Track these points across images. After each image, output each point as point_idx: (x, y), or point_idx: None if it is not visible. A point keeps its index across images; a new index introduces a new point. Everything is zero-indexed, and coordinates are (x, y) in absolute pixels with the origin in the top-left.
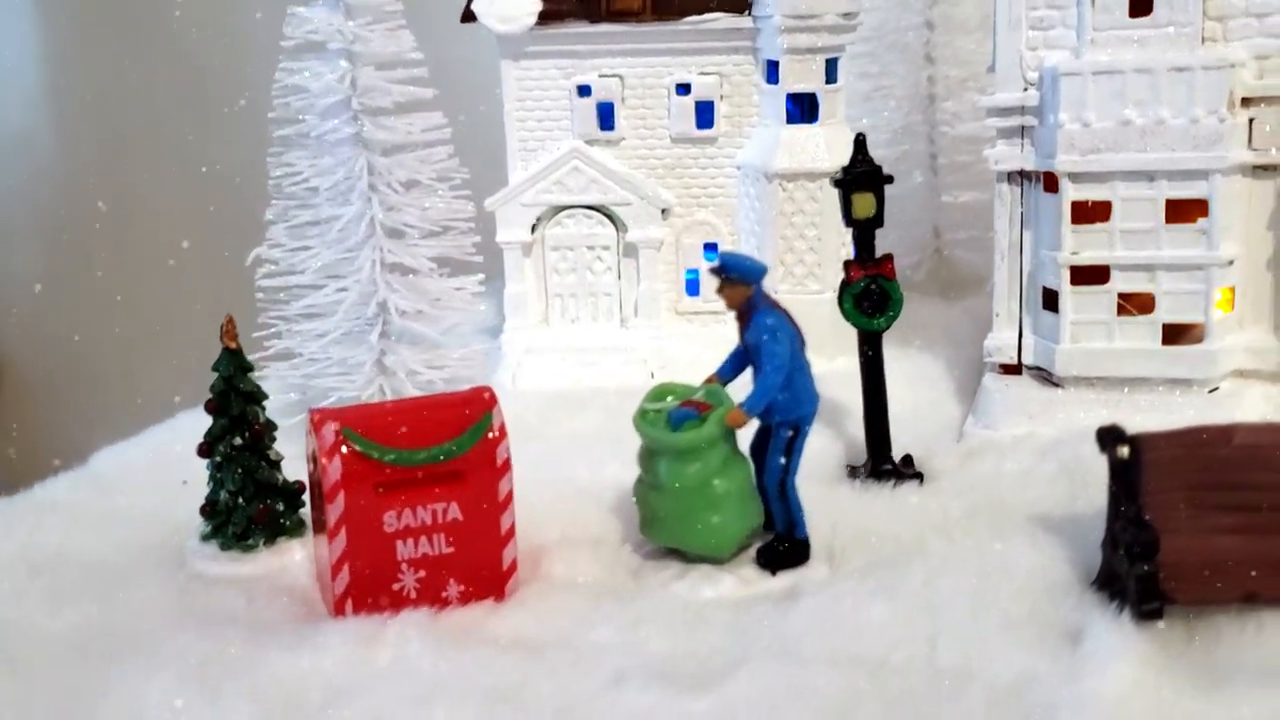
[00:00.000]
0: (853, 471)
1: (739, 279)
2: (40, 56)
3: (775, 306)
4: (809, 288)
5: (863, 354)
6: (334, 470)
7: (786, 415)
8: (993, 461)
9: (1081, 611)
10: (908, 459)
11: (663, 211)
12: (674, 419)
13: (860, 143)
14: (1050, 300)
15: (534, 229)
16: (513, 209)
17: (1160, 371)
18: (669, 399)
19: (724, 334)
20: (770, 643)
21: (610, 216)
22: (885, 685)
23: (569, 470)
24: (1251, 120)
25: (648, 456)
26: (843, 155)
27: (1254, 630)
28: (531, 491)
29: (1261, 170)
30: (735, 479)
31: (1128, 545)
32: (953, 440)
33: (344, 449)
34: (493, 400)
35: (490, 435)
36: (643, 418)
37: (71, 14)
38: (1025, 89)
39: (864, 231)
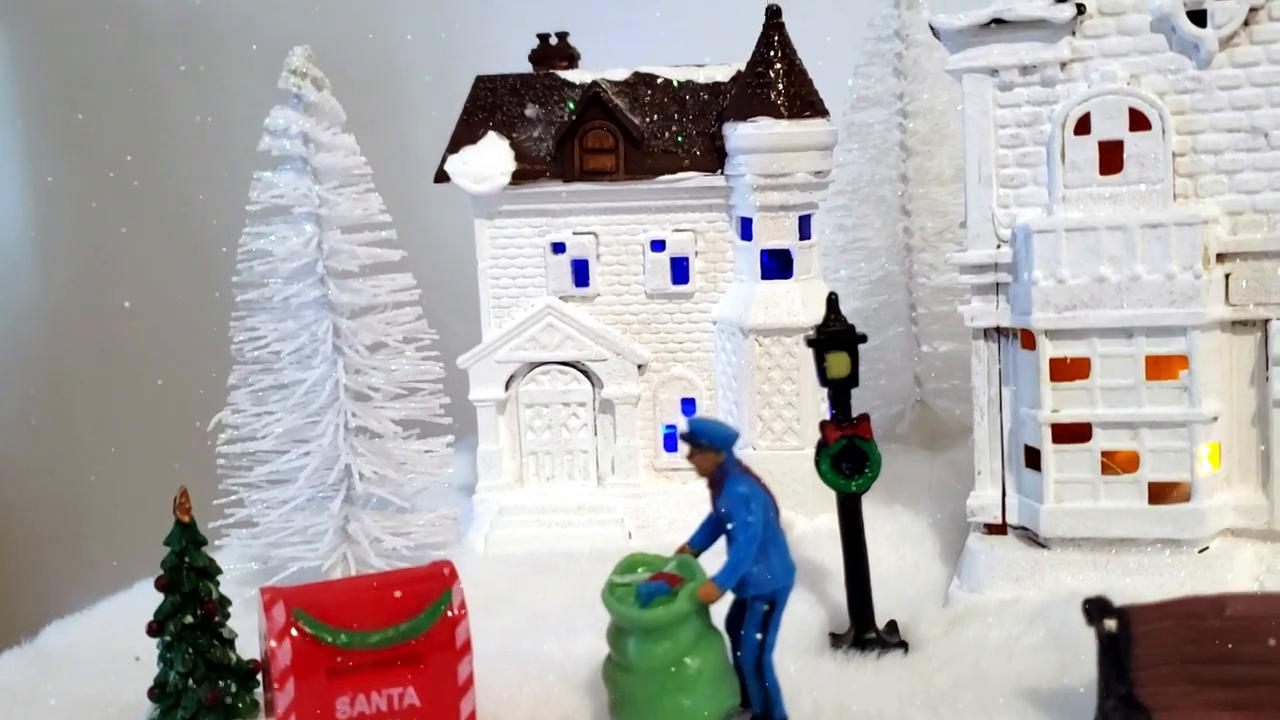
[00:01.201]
0: (835, 640)
1: (709, 445)
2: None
3: (747, 473)
4: (788, 444)
5: (842, 517)
6: (283, 655)
7: (761, 588)
8: (979, 629)
9: None
10: (892, 625)
11: (639, 367)
12: (643, 594)
13: (833, 302)
14: (1032, 458)
15: (508, 386)
16: (486, 366)
17: (1148, 531)
18: (639, 570)
19: (703, 491)
20: None
21: (585, 372)
22: None
23: (539, 644)
24: (1228, 276)
25: (616, 634)
26: (818, 310)
27: None
28: (499, 668)
29: (1240, 325)
30: (709, 657)
31: None
32: (938, 605)
33: (294, 631)
34: (453, 576)
35: (449, 614)
36: (611, 592)
37: (61, 160)
38: (998, 246)
39: (839, 391)
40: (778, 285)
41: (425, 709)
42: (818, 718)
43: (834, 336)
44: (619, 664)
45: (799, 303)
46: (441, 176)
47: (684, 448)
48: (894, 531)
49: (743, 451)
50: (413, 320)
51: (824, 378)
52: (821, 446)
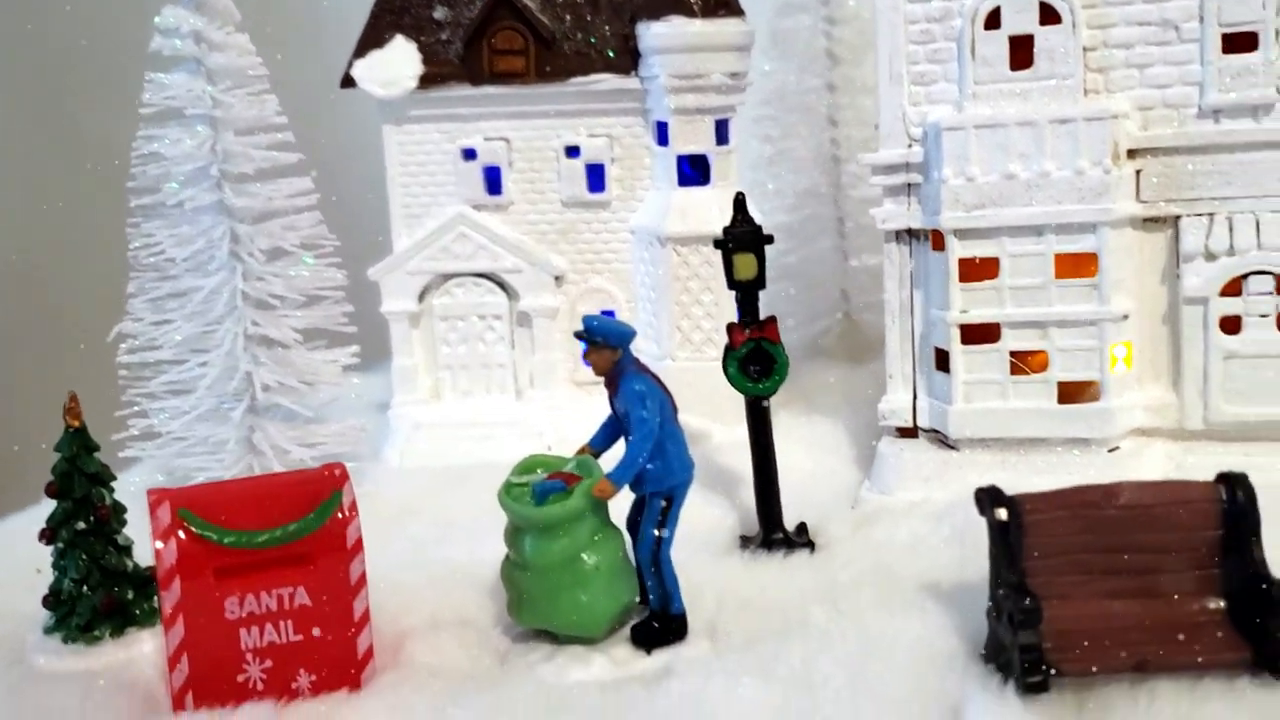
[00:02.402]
0: (745, 542)
1: (604, 343)
2: None
3: (644, 371)
4: (707, 354)
5: (750, 420)
6: (169, 555)
7: (659, 485)
8: (886, 528)
9: (965, 686)
10: (802, 527)
11: (556, 278)
12: (539, 493)
13: (740, 203)
14: (942, 361)
15: (421, 299)
16: (398, 278)
17: (1057, 431)
18: (538, 471)
19: None
20: None
21: (501, 284)
22: None
23: (447, 550)
24: (1138, 172)
25: (513, 533)
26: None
27: (1147, 701)
28: (404, 574)
29: (1151, 222)
30: (606, 554)
31: (1010, 614)
32: (848, 507)
33: (180, 532)
34: (343, 478)
35: (340, 515)
36: (507, 492)
37: None
38: (910, 145)
39: (747, 293)
40: (695, 192)
41: (316, 608)
42: (720, 612)
43: (741, 238)
44: (516, 563)
45: (717, 210)
46: (348, 81)
47: (581, 346)
48: (811, 438)
49: (661, 363)
50: (312, 226)
51: (731, 280)
52: (729, 349)
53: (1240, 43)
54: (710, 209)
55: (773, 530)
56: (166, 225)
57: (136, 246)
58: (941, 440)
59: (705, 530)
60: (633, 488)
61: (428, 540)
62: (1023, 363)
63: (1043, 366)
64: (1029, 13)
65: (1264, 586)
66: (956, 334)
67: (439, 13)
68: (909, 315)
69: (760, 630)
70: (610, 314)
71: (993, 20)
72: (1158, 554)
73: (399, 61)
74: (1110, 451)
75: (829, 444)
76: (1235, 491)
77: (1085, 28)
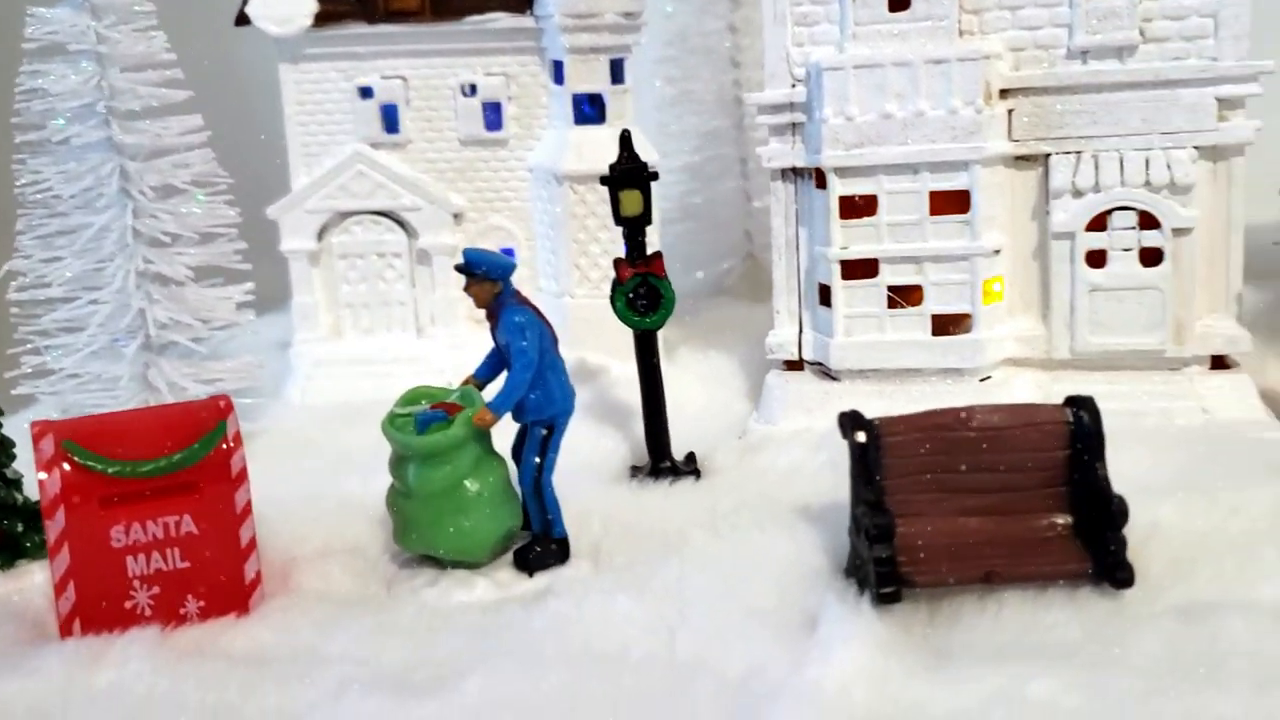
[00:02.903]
0: (635, 471)
1: (485, 275)
2: None
3: (524, 303)
4: (604, 291)
5: (639, 353)
6: (52, 484)
7: (539, 414)
8: (769, 456)
9: (826, 599)
10: (691, 457)
11: (455, 216)
12: (420, 422)
13: (626, 140)
14: (825, 296)
15: (321, 237)
16: (297, 216)
17: (931, 362)
18: (423, 402)
19: None
20: (511, 645)
21: (400, 222)
22: (617, 681)
23: (342, 482)
24: (1010, 111)
25: (398, 462)
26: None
27: (994, 610)
28: (297, 506)
29: (1022, 160)
30: (488, 481)
31: (866, 530)
32: (736, 437)
33: (64, 463)
34: (228, 409)
35: (225, 445)
36: (391, 422)
37: None
38: (793, 85)
39: (633, 229)
40: (591, 130)
41: (203, 536)
42: (605, 537)
43: (626, 174)
44: (401, 491)
45: (613, 148)
46: (243, 19)
47: (461, 279)
48: (706, 372)
49: (560, 300)
50: (204, 163)
51: (618, 216)
52: (616, 284)
53: None
54: (606, 147)
55: (661, 459)
56: (53, 162)
57: (23, 183)
58: (825, 372)
59: (598, 460)
60: (515, 417)
61: (324, 473)
62: (900, 297)
63: (918, 300)
64: None
65: (1105, 503)
66: (837, 270)
67: None
68: (795, 252)
69: (640, 552)
70: (510, 252)
71: None
72: (1009, 473)
73: None
74: (982, 381)
75: (724, 378)
76: (1081, 414)
77: None
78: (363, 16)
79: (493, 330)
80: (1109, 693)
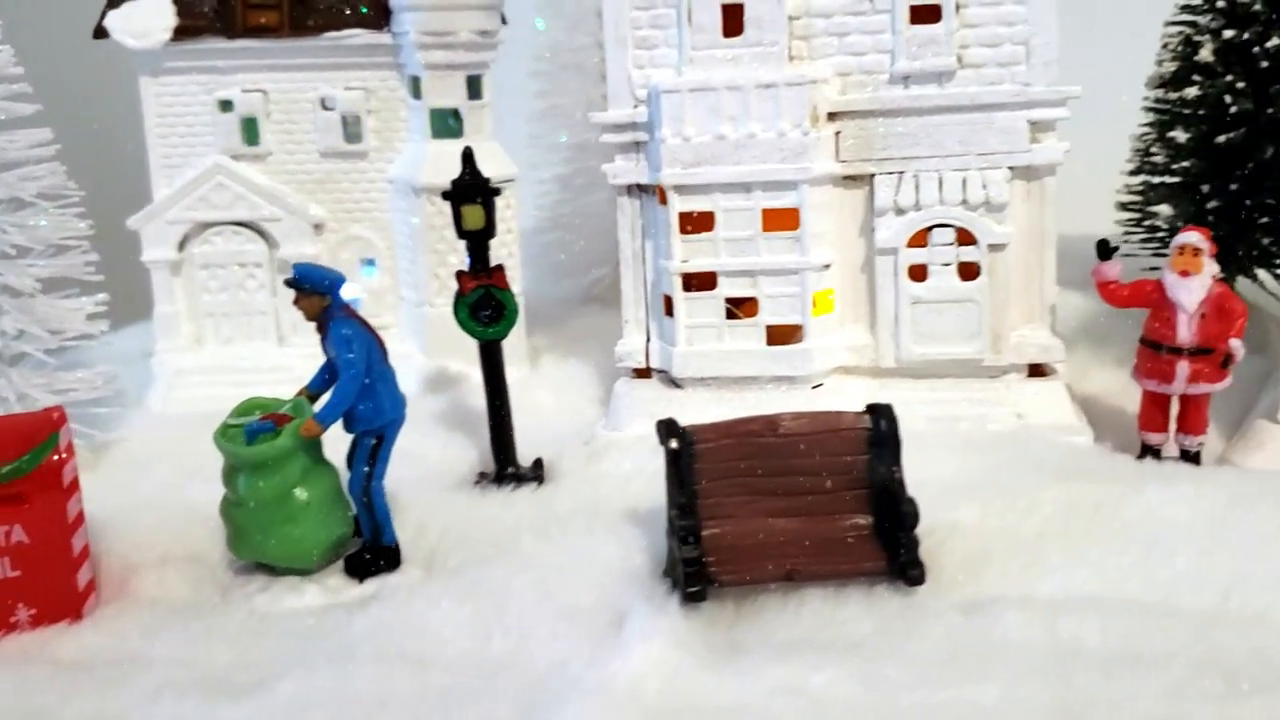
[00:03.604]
0: (480, 478)
1: (312, 289)
2: None
3: (352, 316)
4: None
5: (484, 363)
6: None
7: (369, 424)
8: (611, 461)
9: (639, 598)
10: (538, 463)
11: (315, 226)
12: (249, 433)
13: (468, 156)
14: (669, 306)
15: (182, 247)
16: (157, 227)
17: (766, 370)
18: (256, 413)
19: (392, 350)
20: (330, 648)
21: (261, 232)
22: (425, 680)
23: (190, 491)
24: (837, 133)
25: (229, 472)
26: (489, 169)
27: (796, 606)
28: (142, 514)
29: (850, 180)
30: (318, 489)
31: (675, 531)
32: (583, 443)
33: None
34: (61, 420)
35: (56, 456)
36: (223, 434)
37: None
38: (635, 106)
39: (475, 242)
40: (449, 144)
41: (34, 546)
42: (441, 543)
43: (468, 189)
44: (232, 500)
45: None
46: (101, 32)
47: (291, 293)
48: (563, 380)
49: (420, 309)
50: (52, 176)
51: (460, 230)
52: (459, 296)
53: (926, 14)
54: None
55: (505, 466)
56: None
57: None
58: (670, 380)
59: (447, 466)
60: (346, 427)
61: (173, 482)
62: (736, 308)
63: (754, 312)
64: None
65: (899, 505)
66: (679, 282)
67: None
68: (641, 264)
69: (472, 558)
70: (371, 261)
71: None
72: (813, 476)
73: (152, 13)
74: (814, 388)
75: (578, 385)
76: (880, 420)
77: None
78: (222, 31)
79: (323, 343)
80: (884, 683)
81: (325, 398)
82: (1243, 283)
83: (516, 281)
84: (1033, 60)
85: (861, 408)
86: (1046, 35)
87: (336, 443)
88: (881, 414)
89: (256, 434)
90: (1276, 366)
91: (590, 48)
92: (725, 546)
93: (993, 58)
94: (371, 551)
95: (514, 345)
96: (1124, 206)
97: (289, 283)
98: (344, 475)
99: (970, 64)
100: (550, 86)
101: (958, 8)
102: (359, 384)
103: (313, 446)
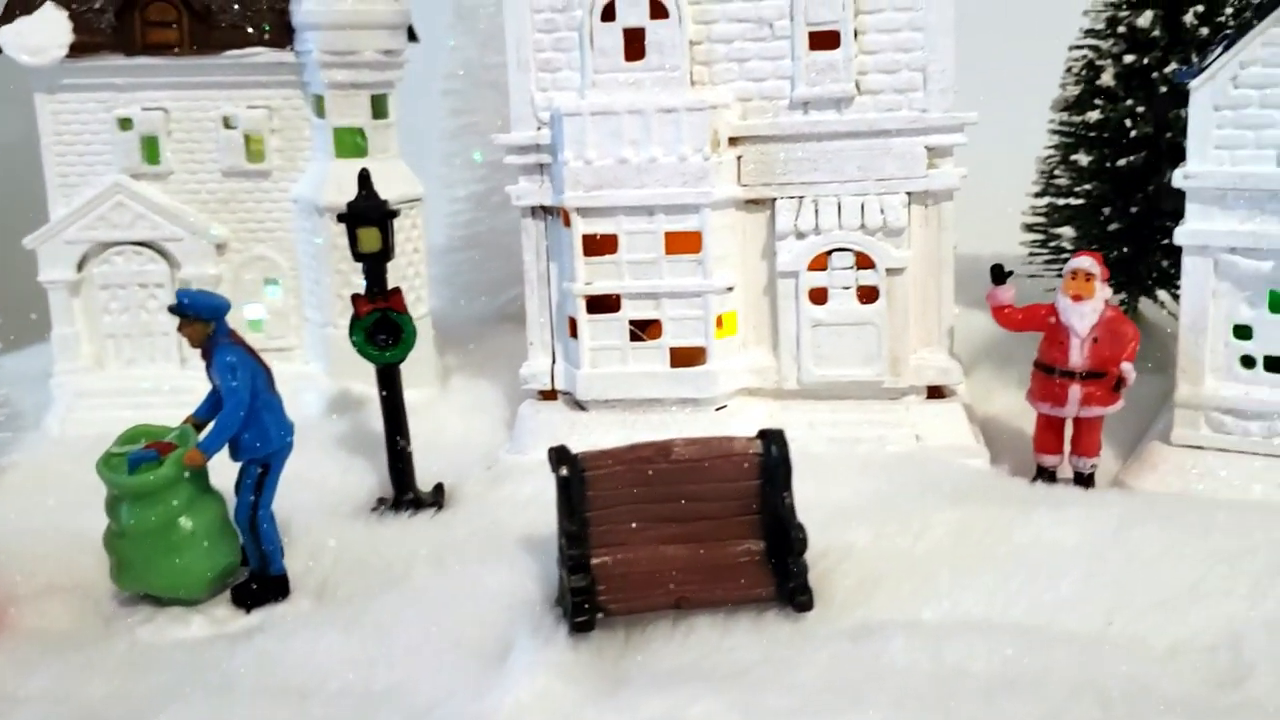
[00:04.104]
0: (379, 504)
1: (196, 316)
2: None
3: (238, 343)
4: None
5: (381, 387)
6: None
7: (254, 453)
8: (512, 486)
9: (528, 629)
10: (438, 488)
11: (218, 247)
12: (131, 462)
13: (364, 178)
14: (573, 328)
15: (81, 267)
16: (55, 247)
17: (669, 392)
18: (141, 441)
19: (291, 371)
20: (211, 680)
21: (162, 252)
22: (305, 712)
23: (81, 518)
24: (739, 158)
25: (112, 502)
26: (395, 189)
27: (684, 634)
28: (32, 540)
29: (752, 204)
30: (203, 519)
31: (564, 561)
32: (486, 467)
33: None
34: None
35: None
36: (105, 463)
37: None
38: (539, 128)
39: (372, 265)
40: (353, 164)
41: None
42: (334, 571)
43: (363, 212)
44: (115, 530)
45: (374, 181)
46: None
47: (175, 320)
48: (468, 402)
49: (324, 330)
50: None
51: (356, 253)
52: (354, 319)
53: (824, 41)
54: None
55: (404, 492)
56: None
57: None
58: (575, 402)
59: (346, 492)
60: (231, 456)
61: (68, 508)
62: (640, 330)
63: (657, 334)
64: (640, 7)
65: (788, 531)
66: (582, 304)
67: None
68: (546, 286)
69: (364, 587)
70: (276, 281)
71: (608, 12)
72: (705, 502)
73: (48, 29)
74: (717, 410)
75: (487, 407)
76: (772, 446)
77: (691, 23)
78: (120, 48)
79: (208, 370)
80: (764, 713)
81: (211, 425)
82: (1144, 303)
83: (423, 303)
84: (930, 87)
85: (765, 426)
86: (943, 62)
87: (230, 470)
88: (773, 440)
89: (139, 463)
90: (1173, 388)
91: (504, 66)
92: (615, 575)
93: (890, 84)
94: (258, 581)
95: (424, 365)
96: (1029, 228)
97: (173, 309)
98: (232, 503)
99: (868, 90)
100: (464, 104)
101: (856, 34)
102: (242, 412)
103: (198, 475)
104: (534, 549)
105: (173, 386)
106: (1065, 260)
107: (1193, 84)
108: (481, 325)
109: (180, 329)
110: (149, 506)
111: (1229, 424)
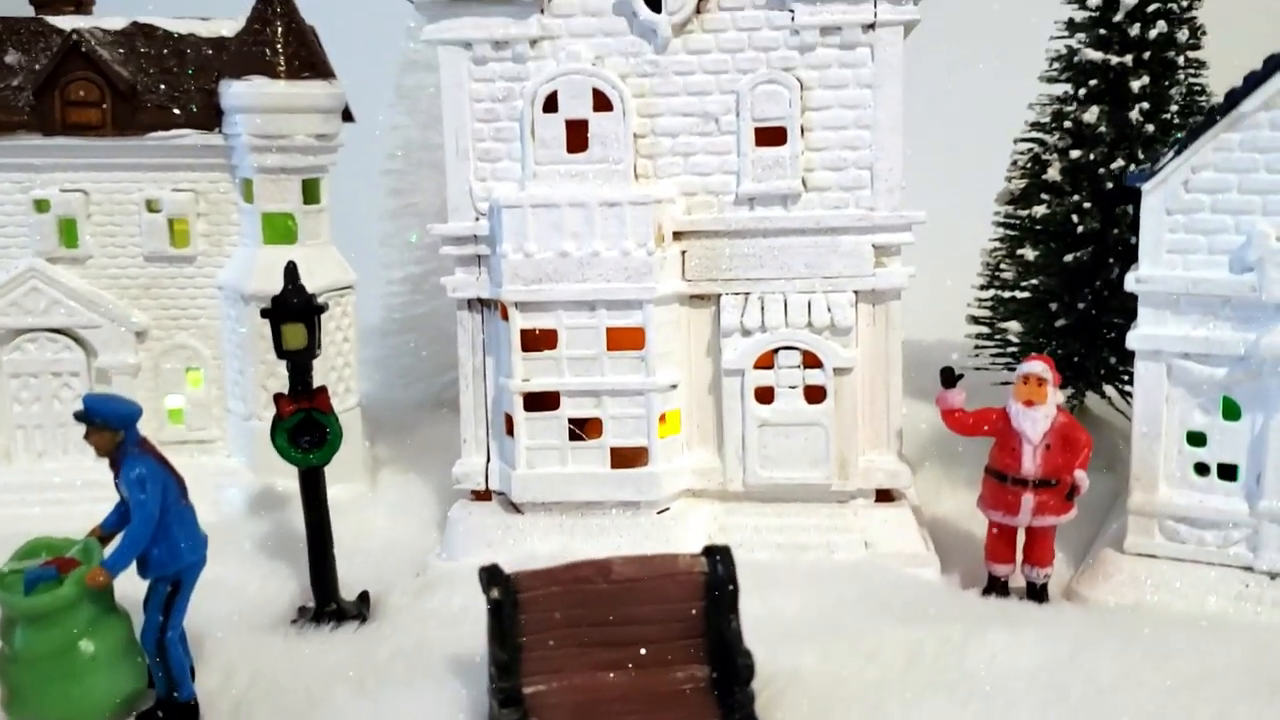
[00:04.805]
0: (301, 613)
1: (104, 424)
2: None
3: (149, 452)
4: None
5: (304, 491)
6: None
7: (163, 570)
8: (442, 597)
9: None
10: (364, 597)
11: (138, 334)
12: (28, 581)
13: (291, 271)
14: (510, 426)
15: None
16: None
17: (610, 495)
18: (43, 555)
19: (218, 465)
20: None
21: (78, 340)
22: None
23: None
24: (684, 253)
25: (5, 624)
26: (325, 277)
27: None
28: None
29: (697, 299)
30: (106, 641)
31: (494, 693)
32: (415, 575)
33: None
34: None
35: None
36: (0, 581)
37: None
38: (477, 219)
39: (297, 363)
40: (282, 250)
41: None
42: (249, 692)
43: (289, 307)
44: (7, 655)
45: (304, 269)
46: None
47: (81, 428)
48: (398, 501)
49: (248, 423)
50: None
51: (280, 349)
52: (277, 420)
53: (771, 137)
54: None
55: (326, 603)
56: None
57: None
58: (510, 503)
59: (266, 600)
60: (140, 573)
61: None
62: (580, 429)
63: (598, 433)
64: (583, 99)
65: (734, 658)
66: (519, 401)
67: (10, 58)
68: (482, 381)
69: (280, 711)
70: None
71: (551, 104)
72: (647, 625)
73: None
74: (660, 513)
75: (415, 506)
76: (717, 564)
77: (635, 115)
78: (39, 128)
79: (115, 481)
80: None
81: (117, 540)
82: (1092, 399)
83: (352, 393)
84: (877, 185)
85: (699, 548)
86: (890, 160)
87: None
88: (719, 557)
89: (36, 582)
90: (1124, 487)
91: (443, 146)
92: (550, 705)
93: (837, 181)
94: (165, 708)
95: (351, 460)
96: (975, 320)
97: (79, 416)
98: (139, 620)
99: (815, 187)
100: (404, 185)
101: (803, 131)
102: (151, 528)
103: (102, 595)
104: (464, 671)
105: (86, 481)
106: (1012, 354)
107: (1144, 186)
108: (416, 412)
109: (87, 437)
110: (46, 629)
111: (1183, 533)
